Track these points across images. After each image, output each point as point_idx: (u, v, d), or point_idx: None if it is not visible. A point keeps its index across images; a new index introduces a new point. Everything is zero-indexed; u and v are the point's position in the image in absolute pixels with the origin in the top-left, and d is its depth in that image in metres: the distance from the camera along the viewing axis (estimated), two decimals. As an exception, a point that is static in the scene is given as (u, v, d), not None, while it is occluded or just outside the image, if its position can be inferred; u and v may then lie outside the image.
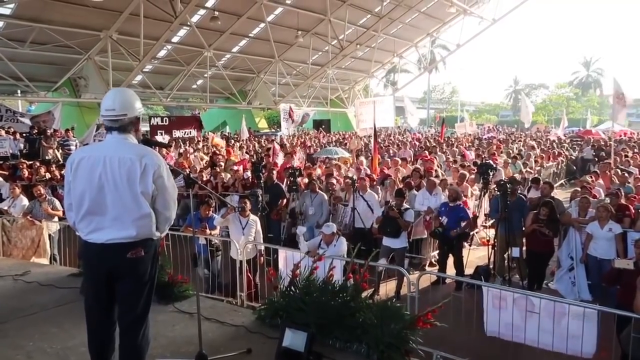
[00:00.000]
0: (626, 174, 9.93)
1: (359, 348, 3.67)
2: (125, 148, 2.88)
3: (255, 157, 15.92)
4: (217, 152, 16.23)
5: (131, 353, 2.96)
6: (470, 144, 21.10)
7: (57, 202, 8.55)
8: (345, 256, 5.80)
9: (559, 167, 17.26)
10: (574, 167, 18.48)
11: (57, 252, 8.14)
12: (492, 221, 9.08)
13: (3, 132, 14.92)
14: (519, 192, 8.21)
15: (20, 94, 24.18)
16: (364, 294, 4.00)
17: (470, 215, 8.56)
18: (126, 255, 2.84)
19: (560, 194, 12.04)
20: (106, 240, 2.83)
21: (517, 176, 11.46)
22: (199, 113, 32.58)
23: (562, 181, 17.22)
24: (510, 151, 17.10)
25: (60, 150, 15.28)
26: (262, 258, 6.72)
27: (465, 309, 4.69)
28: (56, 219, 8.37)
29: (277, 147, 15.19)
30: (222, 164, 13.61)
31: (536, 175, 10.97)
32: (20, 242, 7.77)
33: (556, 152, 18.24)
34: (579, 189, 8.49)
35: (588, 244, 6.80)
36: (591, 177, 9.83)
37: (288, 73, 31.57)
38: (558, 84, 67.68)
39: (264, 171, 9.70)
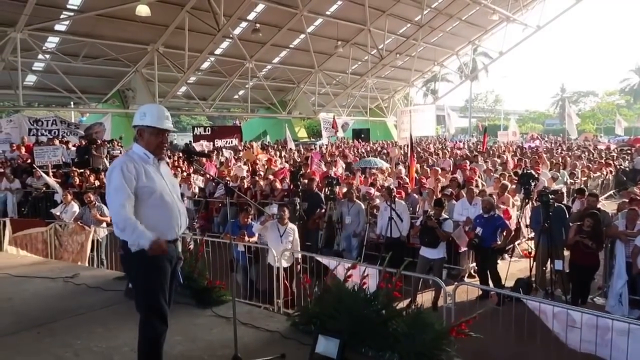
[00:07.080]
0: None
1: (391, 357, 3.66)
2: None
3: (294, 166, 16.09)
4: (256, 162, 16.53)
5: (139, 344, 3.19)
6: (512, 154, 20.50)
7: (105, 209, 8.92)
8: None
9: (607, 177, 16.55)
10: (624, 178, 17.67)
11: (105, 256, 8.50)
12: (532, 233, 8.82)
13: (57, 142, 15.75)
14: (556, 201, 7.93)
15: (73, 106, 25.46)
16: (397, 304, 3.99)
17: (512, 227, 8.36)
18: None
19: (609, 206, 11.58)
20: None
21: (563, 187, 11.11)
22: (239, 123, 33.20)
23: (611, 192, 16.51)
24: (554, 160, 16.51)
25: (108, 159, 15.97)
26: (299, 266, 6.81)
27: (503, 322, 4.60)
28: (104, 224, 8.74)
29: (317, 155, 15.29)
30: (262, 172, 13.84)
31: (581, 186, 10.59)
32: (70, 246, 8.16)
33: (604, 162, 17.51)
34: (627, 201, 8.15)
35: (636, 258, 6.50)
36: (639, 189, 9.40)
37: (328, 83, 31.75)
38: (607, 91, 64.97)
39: (302, 180, 9.80)
